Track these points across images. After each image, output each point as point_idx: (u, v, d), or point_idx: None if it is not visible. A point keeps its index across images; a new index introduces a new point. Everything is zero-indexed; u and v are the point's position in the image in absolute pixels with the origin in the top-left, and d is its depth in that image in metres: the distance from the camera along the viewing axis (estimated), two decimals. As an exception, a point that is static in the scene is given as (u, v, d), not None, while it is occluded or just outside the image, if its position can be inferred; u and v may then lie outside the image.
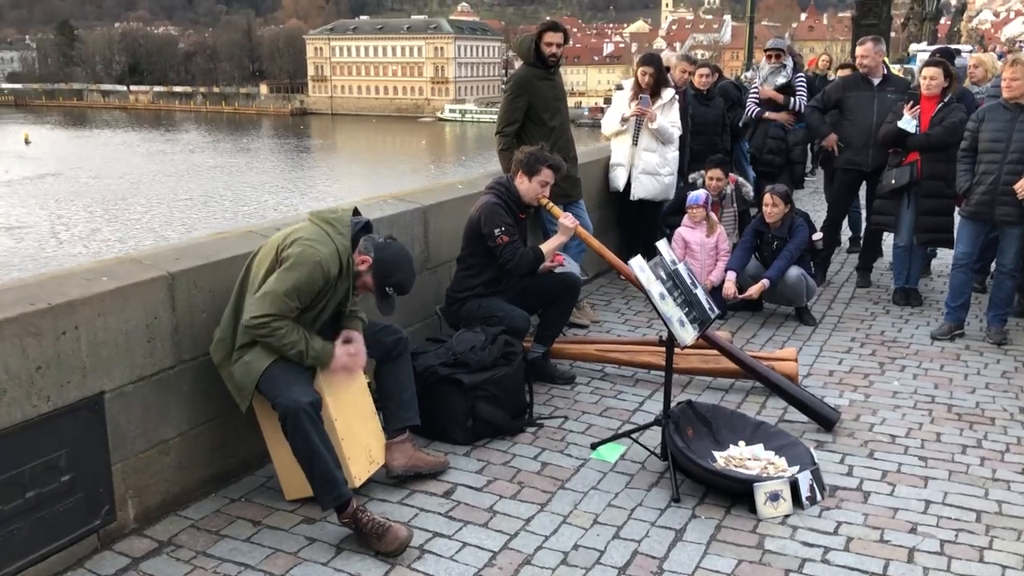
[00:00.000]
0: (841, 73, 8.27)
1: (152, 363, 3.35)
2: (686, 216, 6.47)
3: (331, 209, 3.51)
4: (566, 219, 4.71)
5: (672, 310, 3.71)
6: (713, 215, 6.47)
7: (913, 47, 16.95)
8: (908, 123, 6.10)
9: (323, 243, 3.34)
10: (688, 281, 3.87)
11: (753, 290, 5.96)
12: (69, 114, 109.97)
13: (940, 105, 6.08)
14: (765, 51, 8.15)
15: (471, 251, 4.69)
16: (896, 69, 9.56)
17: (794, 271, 5.99)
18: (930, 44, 18.15)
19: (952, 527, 3.46)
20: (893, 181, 6.26)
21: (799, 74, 7.99)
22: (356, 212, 3.56)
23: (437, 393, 4.10)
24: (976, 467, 3.98)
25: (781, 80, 7.78)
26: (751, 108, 7.91)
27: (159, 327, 3.37)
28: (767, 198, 6.15)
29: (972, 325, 5.99)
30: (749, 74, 8.08)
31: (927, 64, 6.36)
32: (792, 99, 7.72)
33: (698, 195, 6.40)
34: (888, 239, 8.16)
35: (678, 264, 3.90)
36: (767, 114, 7.80)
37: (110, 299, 3.18)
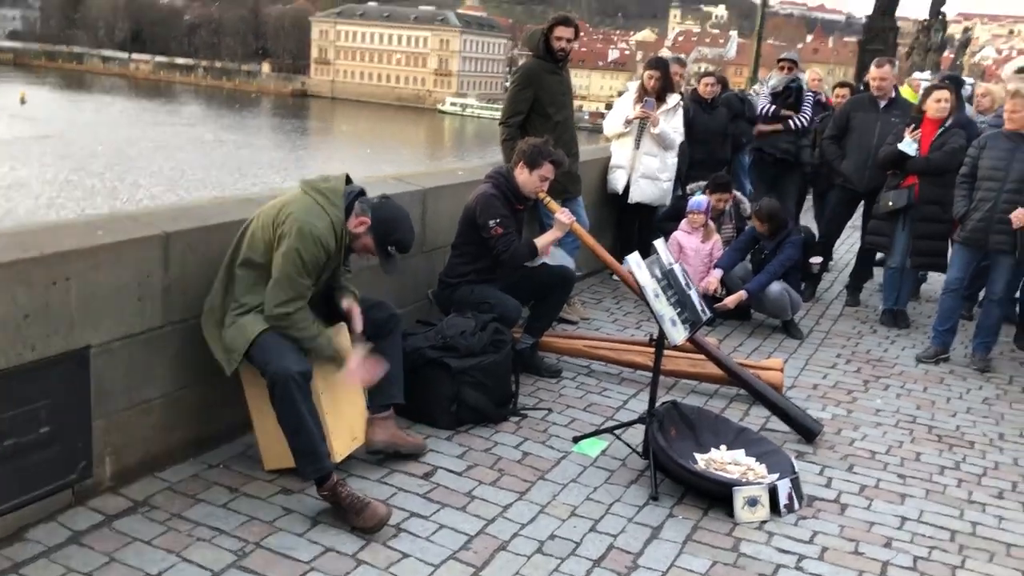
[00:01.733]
0: (839, 92, 8.29)
1: (141, 321, 3.32)
2: (683, 221, 6.48)
3: (323, 177, 3.45)
4: (563, 215, 4.70)
5: (665, 309, 3.71)
6: (711, 222, 6.49)
7: (916, 75, 17.04)
8: (908, 146, 6.12)
9: (318, 216, 3.31)
10: (683, 282, 3.88)
11: (729, 300, 5.98)
12: (68, 76, 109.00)
13: (941, 130, 6.10)
14: (778, 61, 8.15)
15: (465, 239, 4.69)
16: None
17: (776, 286, 6.00)
18: (933, 74, 18.24)
19: (926, 544, 3.48)
20: (891, 203, 6.27)
21: (809, 93, 7.97)
22: (348, 180, 3.52)
23: (423, 376, 4.09)
24: (953, 488, 4.01)
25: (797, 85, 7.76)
26: (764, 105, 7.87)
27: (150, 286, 3.34)
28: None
29: (957, 351, 6.03)
30: (756, 87, 8.06)
31: (937, 87, 6.39)
32: (792, 120, 7.69)
33: (700, 201, 6.42)
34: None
35: (674, 264, 3.90)
36: (759, 127, 7.79)
37: (104, 253, 3.15)
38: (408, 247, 3.59)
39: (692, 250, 6.36)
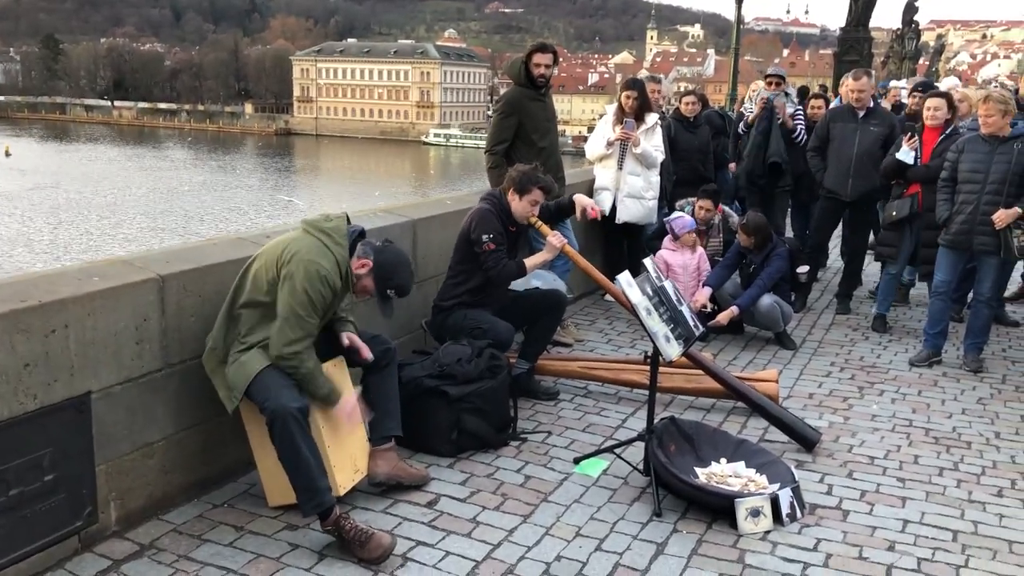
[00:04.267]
0: (814, 104, 8.36)
1: (140, 365, 3.35)
2: (666, 239, 6.55)
3: (325, 217, 3.51)
4: (553, 238, 4.76)
5: (658, 325, 3.75)
6: (698, 240, 6.56)
7: (893, 83, 17.26)
8: (906, 155, 6.18)
9: (323, 256, 3.34)
10: (674, 298, 3.92)
11: (722, 317, 6.03)
12: (51, 127, 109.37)
13: (942, 137, 6.14)
14: (765, 77, 8.19)
15: (460, 258, 4.74)
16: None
17: (767, 299, 6.06)
18: (908, 82, 18.47)
19: (929, 546, 3.51)
20: (894, 213, 6.30)
21: (799, 108, 8.01)
22: (348, 220, 3.58)
23: (422, 405, 4.11)
24: (953, 488, 4.04)
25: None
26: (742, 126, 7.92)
27: (148, 329, 3.37)
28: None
29: (949, 353, 6.08)
30: (747, 106, 8.10)
31: (931, 95, 6.45)
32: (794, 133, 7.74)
33: (688, 222, 6.48)
34: (868, 268, 8.30)
35: (664, 281, 3.95)
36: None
37: (100, 299, 3.18)
38: (407, 292, 3.64)
39: (680, 267, 6.42)
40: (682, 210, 7.24)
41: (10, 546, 2.94)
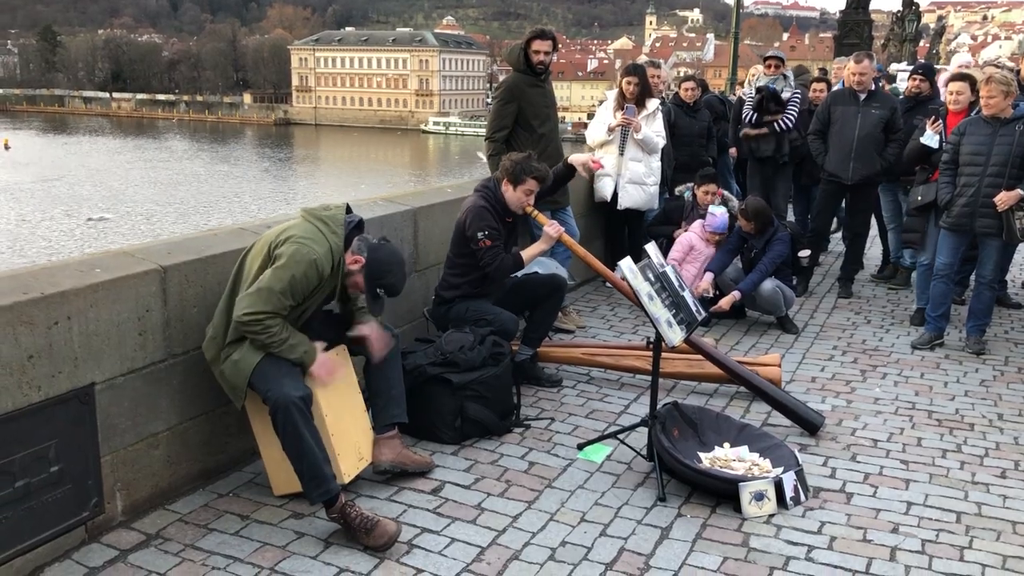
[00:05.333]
0: (815, 87, 8.31)
1: (143, 356, 3.36)
2: (697, 224, 6.52)
3: (324, 206, 3.52)
4: (550, 228, 4.73)
5: (660, 311, 3.75)
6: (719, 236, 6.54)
7: (893, 67, 17.21)
8: (931, 139, 6.11)
9: (317, 241, 3.36)
10: (676, 283, 3.92)
11: (723, 302, 6.03)
12: (50, 120, 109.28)
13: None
14: (764, 59, 8.13)
15: (458, 251, 4.73)
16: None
17: (768, 284, 6.06)
18: (909, 65, 18.42)
19: (933, 527, 3.52)
20: (919, 198, 6.17)
21: (797, 91, 7.90)
22: (348, 210, 3.58)
23: (426, 392, 4.12)
24: (956, 470, 4.05)
25: (780, 87, 7.74)
26: (747, 114, 7.83)
27: (150, 320, 3.38)
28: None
29: (952, 335, 6.08)
30: (746, 90, 8.03)
31: (953, 79, 6.34)
32: (777, 123, 7.62)
33: (723, 222, 6.40)
34: (870, 251, 8.30)
35: (666, 267, 3.95)
36: (744, 132, 7.79)
37: (103, 291, 3.19)
38: (397, 292, 3.61)
39: (699, 252, 6.42)
40: (682, 195, 7.24)
41: (18, 537, 2.95)
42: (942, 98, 6.72)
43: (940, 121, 6.15)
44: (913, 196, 6.32)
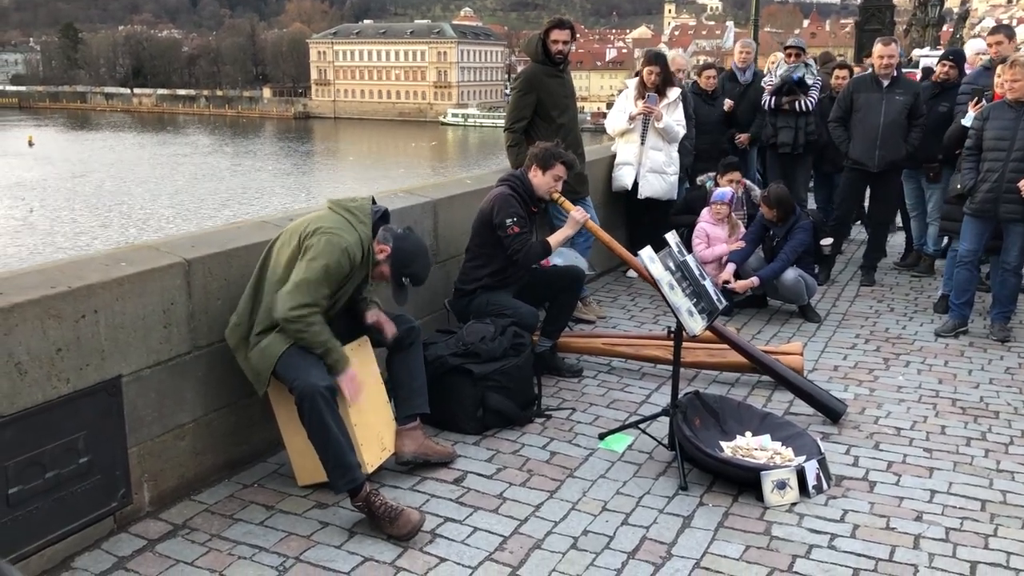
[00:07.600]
0: (839, 74, 8.22)
1: (168, 348, 3.40)
2: (705, 211, 6.51)
3: (351, 198, 3.56)
4: (577, 212, 4.75)
5: (681, 300, 3.75)
6: (734, 215, 6.52)
7: (916, 52, 16.99)
8: (972, 120, 5.89)
9: (346, 231, 3.40)
10: (696, 272, 3.92)
11: (739, 285, 6.00)
12: (72, 116, 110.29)
13: None
14: (785, 48, 8.07)
15: (480, 241, 4.74)
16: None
17: (791, 272, 6.02)
18: (932, 50, 18.19)
19: (957, 515, 3.50)
20: (959, 186, 5.94)
21: (819, 78, 7.84)
22: (373, 201, 3.62)
23: (447, 383, 4.14)
24: (980, 458, 4.02)
25: (800, 75, 7.67)
26: (766, 100, 7.77)
27: (175, 313, 3.42)
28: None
29: (976, 322, 6.03)
30: (767, 79, 7.95)
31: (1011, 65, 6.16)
32: (797, 103, 7.58)
33: (724, 192, 6.44)
34: (893, 239, 8.23)
35: (686, 256, 3.95)
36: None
37: (128, 284, 3.23)
38: (423, 281, 3.65)
39: (718, 240, 6.40)
40: (703, 185, 7.22)
41: (49, 527, 3.00)
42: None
43: (984, 102, 6.05)
44: (953, 184, 6.15)
